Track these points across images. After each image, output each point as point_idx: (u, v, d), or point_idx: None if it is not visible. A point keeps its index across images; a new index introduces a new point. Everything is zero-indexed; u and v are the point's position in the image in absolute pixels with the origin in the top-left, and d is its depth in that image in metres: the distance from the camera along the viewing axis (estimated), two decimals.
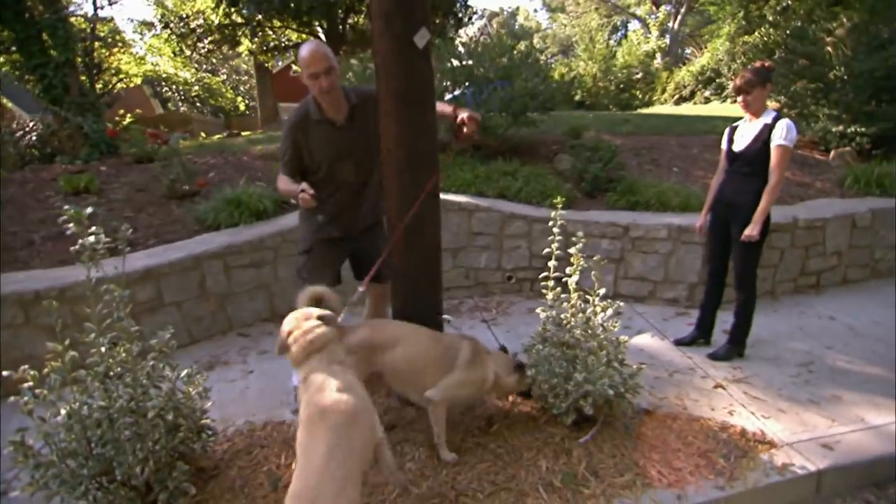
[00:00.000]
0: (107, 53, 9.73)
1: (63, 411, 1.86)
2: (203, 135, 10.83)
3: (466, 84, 5.76)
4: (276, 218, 4.41)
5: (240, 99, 24.14)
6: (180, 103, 23.07)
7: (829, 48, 7.34)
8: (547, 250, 2.57)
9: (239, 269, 3.93)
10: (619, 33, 29.29)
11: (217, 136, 11.48)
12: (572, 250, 2.49)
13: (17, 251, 3.88)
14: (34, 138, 6.59)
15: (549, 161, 5.65)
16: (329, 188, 2.55)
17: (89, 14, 8.62)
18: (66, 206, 1.91)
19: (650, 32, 22.02)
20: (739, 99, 3.11)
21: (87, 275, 1.88)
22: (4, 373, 1.79)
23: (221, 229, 4.19)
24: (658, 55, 19.14)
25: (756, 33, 11.06)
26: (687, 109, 13.03)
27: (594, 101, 15.93)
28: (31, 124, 6.86)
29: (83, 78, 7.28)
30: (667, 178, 5.39)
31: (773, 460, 2.32)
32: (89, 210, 1.91)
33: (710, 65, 14.34)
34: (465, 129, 2.41)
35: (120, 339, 2.00)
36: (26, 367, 1.81)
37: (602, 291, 2.50)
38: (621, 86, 16.40)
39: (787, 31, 9.22)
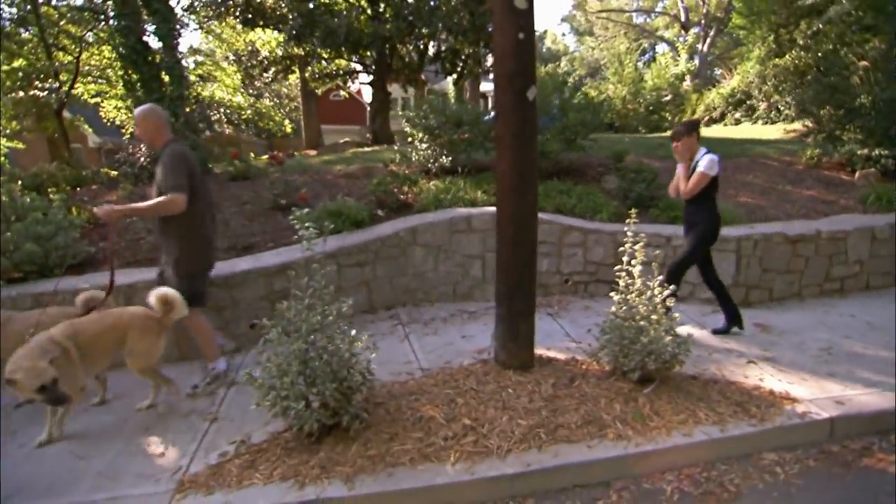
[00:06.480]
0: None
1: (294, 346, 2.72)
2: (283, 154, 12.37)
3: None
4: (371, 227, 5.30)
5: (287, 122, 26.15)
6: (225, 126, 24.94)
7: (857, 76, 7.94)
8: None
9: (347, 267, 4.84)
10: (648, 56, 29.79)
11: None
12: (637, 247, 3.29)
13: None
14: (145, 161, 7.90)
15: (596, 181, 6.44)
16: None
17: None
18: (296, 210, 2.89)
19: (679, 55, 22.37)
20: (672, 145, 4.13)
21: (305, 254, 2.78)
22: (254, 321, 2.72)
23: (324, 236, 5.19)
24: (687, 77, 19.29)
25: (787, 56, 11.48)
26: (718, 131, 13.36)
27: (624, 122, 16.31)
28: (143, 149, 8.08)
29: (188, 109, 8.67)
30: None
31: (796, 409, 3.01)
32: (306, 210, 2.83)
33: (740, 87, 14.52)
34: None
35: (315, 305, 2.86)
36: (266, 319, 2.73)
37: (661, 277, 3.27)
38: (651, 108, 16.78)
39: (819, 54, 9.70)
